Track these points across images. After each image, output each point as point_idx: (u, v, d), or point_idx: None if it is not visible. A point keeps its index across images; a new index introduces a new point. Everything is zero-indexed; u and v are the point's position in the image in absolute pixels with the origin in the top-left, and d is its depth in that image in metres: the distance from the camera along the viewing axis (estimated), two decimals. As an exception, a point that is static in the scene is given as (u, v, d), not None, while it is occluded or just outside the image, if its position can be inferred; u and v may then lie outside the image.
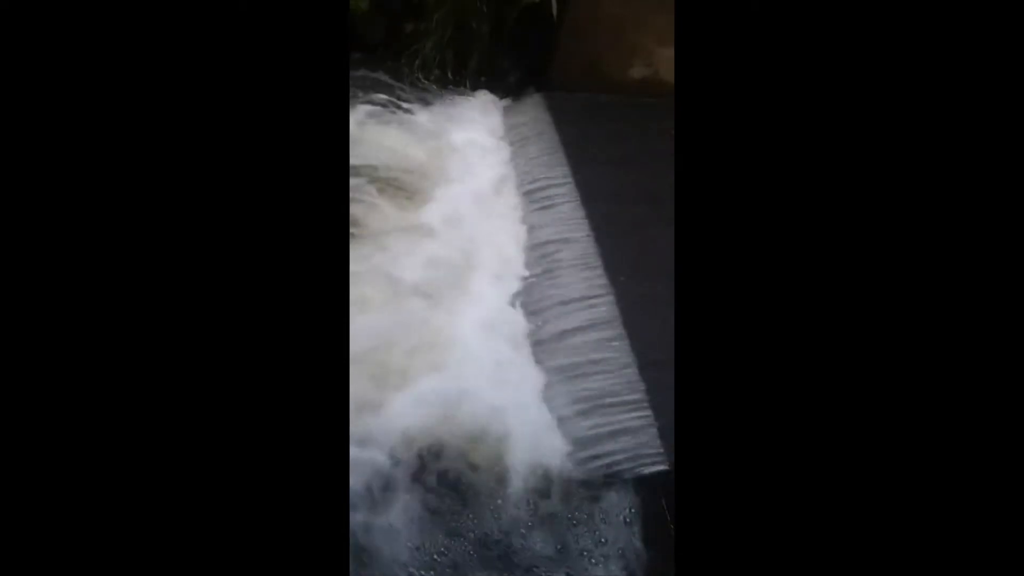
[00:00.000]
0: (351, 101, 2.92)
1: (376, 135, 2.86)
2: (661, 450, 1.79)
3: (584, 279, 2.29)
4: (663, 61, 3.09)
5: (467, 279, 2.33)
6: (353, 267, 2.20)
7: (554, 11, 3.03)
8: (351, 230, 2.36)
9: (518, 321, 2.21)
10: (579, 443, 1.87)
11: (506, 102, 3.26)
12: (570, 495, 1.78)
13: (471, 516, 1.72)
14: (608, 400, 1.93)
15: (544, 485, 1.79)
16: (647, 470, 1.80)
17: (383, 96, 3.07)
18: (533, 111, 3.13)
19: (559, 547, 1.69)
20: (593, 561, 1.67)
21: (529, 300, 2.28)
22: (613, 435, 1.86)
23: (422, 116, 3.06)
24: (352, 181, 2.59)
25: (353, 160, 2.67)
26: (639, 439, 1.83)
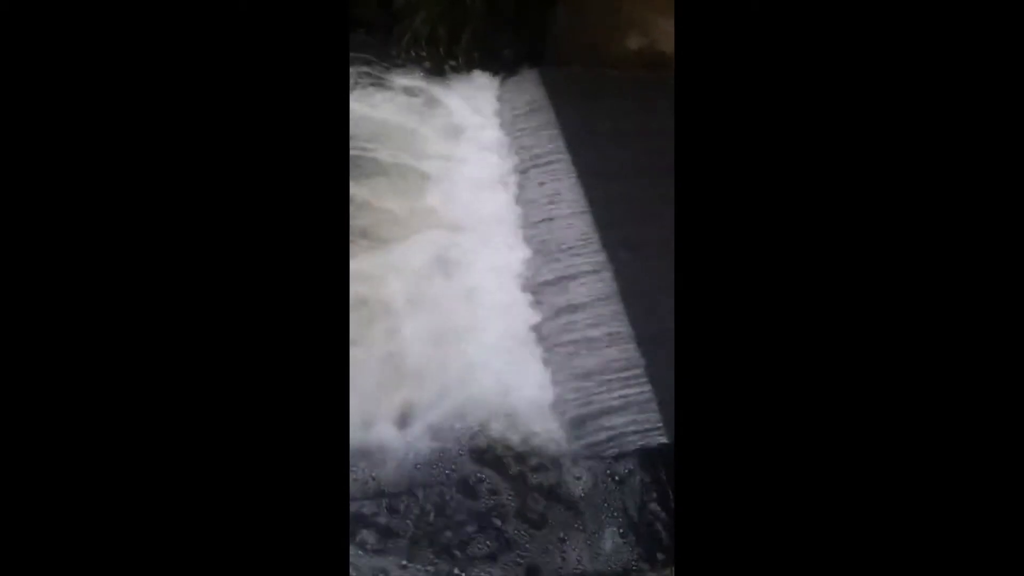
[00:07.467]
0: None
1: (367, 113, 2.82)
2: (660, 424, 1.79)
3: (582, 255, 2.27)
4: (660, 32, 3.04)
5: (464, 257, 2.31)
6: (352, 250, 2.19)
7: (549, -16, 2.98)
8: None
9: (518, 298, 2.19)
10: (579, 418, 1.86)
11: (501, 78, 3.22)
12: (568, 469, 1.78)
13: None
14: (608, 375, 1.92)
15: (543, 459, 1.79)
16: (647, 443, 1.79)
17: (374, 73, 3.03)
18: (529, 87, 3.08)
19: (558, 521, 1.68)
20: (593, 532, 1.67)
21: (527, 277, 2.26)
22: (613, 410, 1.85)
23: (413, 93, 3.02)
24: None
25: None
26: (639, 413, 1.83)
